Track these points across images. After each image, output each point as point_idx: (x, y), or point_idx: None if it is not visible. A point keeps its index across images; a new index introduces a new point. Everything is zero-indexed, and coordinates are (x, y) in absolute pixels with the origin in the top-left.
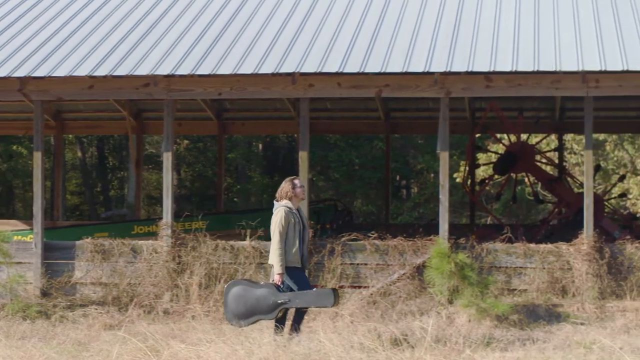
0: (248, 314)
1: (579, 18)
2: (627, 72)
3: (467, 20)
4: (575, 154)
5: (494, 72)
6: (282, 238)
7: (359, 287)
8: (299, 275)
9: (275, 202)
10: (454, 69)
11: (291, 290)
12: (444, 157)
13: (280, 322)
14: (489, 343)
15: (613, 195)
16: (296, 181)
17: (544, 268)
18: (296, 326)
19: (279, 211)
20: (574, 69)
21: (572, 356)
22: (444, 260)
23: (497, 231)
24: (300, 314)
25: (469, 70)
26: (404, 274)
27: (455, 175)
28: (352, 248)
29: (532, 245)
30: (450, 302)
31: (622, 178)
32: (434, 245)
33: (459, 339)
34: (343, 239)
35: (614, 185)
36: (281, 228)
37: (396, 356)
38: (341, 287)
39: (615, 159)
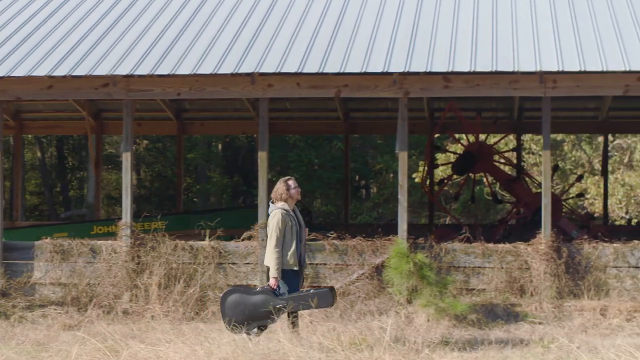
0: (247, 321)
1: (537, 19)
2: (585, 72)
3: (425, 20)
4: (533, 154)
5: (453, 73)
6: (279, 241)
7: (319, 287)
8: (293, 279)
9: (270, 203)
10: (413, 70)
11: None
12: (402, 157)
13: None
14: (448, 343)
15: (571, 195)
16: (290, 182)
17: (503, 268)
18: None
19: (276, 214)
20: (532, 69)
21: (530, 355)
22: (402, 260)
23: (456, 231)
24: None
25: (428, 70)
26: (363, 274)
27: (414, 175)
28: (311, 248)
29: (491, 245)
30: (409, 301)
31: (579, 178)
32: (393, 245)
33: (418, 339)
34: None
35: (572, 185)
36: (278, 231)
37: (355, 356)
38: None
39: (573, 159)
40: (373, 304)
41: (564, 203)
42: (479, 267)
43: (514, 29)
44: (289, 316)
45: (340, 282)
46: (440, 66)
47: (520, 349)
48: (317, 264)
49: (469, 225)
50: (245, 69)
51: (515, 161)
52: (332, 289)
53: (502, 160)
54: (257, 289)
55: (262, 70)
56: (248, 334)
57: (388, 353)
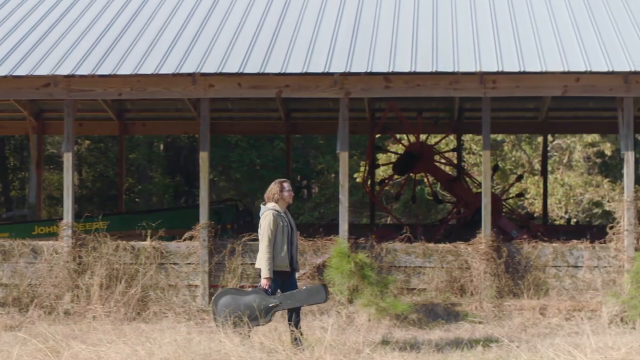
0: (240, 322)
1: (477, 19)
2: (524, 73)
3: (366, 21)
4: (473, 154)
5: (393, 73)
6: (271, 242)
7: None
8: (286, 280)
9: (262, 204)
10: (354, 70)
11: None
12: (343, 157)
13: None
14: (388, 342)
15: (511, 195)
16: (285, 184)
17: (443, 267)
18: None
19: (267, 215)
20: (472, 70)
21: (470, 355)
22: (343, 260)
23: (397, 231)
24: (296, 315)
25: (369, 71)
26: (304, 274)
27: (355, 175)
28: (252, 248)
29: (431, 245)
30: (350, 301)
31: (519, 178)
32: (334, 245)
33: (359, 338)
34: (244, 239)
35: (512, 185)
36: (270, 232)
37: (296, 356)
38: (242, 287)
39: (513, 159)
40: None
41: (504, 203)
42: (419, 266)
43: (454, 29)
44: (290, 320)
45: None
46: (381, 67)
47: (460, 348)
48: None
49: (409, 225)
50: (187, 69)
51: (455, 161)
52: (324, 285)
53: (443, 161)
54: (249, 290)
55: (203, 71)
56: (243, 333)
57: (329, 353)
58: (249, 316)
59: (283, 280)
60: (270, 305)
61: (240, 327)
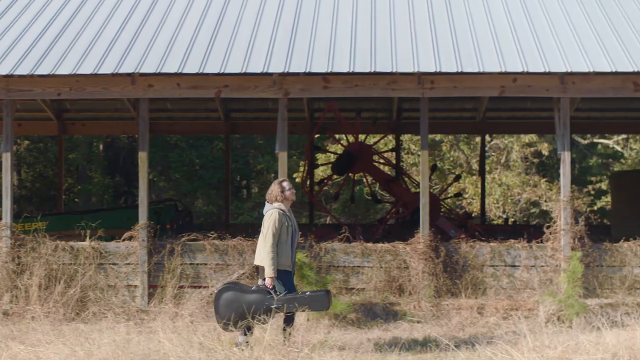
0: (240, 319)
1: (415, 20)
2: (462, 73)
3: (305, 21)
4: (412, 154)
5: (332, 73)
6: (275, 241)
7: (199, 287)
8: (288, 279)
9: (266, 202)
10: (292, 70)
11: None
12: (282, 157)
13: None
14: (327, 342)
15: (449, 195)
16: (285, 184)
17: (382, 267)
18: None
19: (273, 213)
20: (410, 70)
21: (409, 354)
22: None
23: (336, 231)
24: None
25: (307, 71)
26: (243, 274)
27: (294, 175)
28: (191, 248)
29: (370, 245)
30: None
31: (457, 178)
32: None
33: (298, 338)
34: (183, 239)
35: (450, 184)
36: (274, 230)
37: (235, 356)
38: (181, 287)
39: (451, 159)
40: None
41: (443, 203)
42: (358, 266)
43: (393, 30)
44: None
45: (221, 282)
46: (319, 67)
47: (398, 348)
48: (197, 264)
49: (348, 225)
50: (126, 69)
51: (394, 161)
52: (327, 292)
53: (382, 161)
54: (253, 288)
55: (142, 71)
56: (243, 332)
57: (268, 353)
58: (250, 314)
59: (284, 279)
60: (272, 306)
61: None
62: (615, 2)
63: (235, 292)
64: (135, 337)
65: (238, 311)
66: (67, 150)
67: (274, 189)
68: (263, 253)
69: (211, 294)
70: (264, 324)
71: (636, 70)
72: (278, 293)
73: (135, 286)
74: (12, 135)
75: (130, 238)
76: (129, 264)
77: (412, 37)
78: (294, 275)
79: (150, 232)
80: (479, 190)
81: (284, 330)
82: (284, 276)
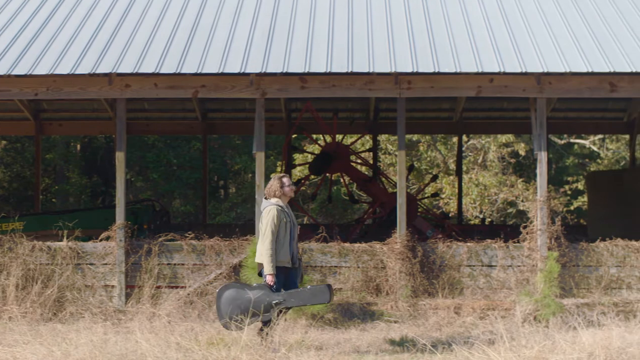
0: (243, 317)
1: (392, 20)
2: (439, 73)
3: (282, 21)
4: (389, 154)
5: (309, 74)
6: (274, 237)
7: (176, 287)
8: (289, 275)
9: (264, 199)
10: (270, 70)
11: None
12: (259, 157)
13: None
14: (304, 342)
15: (426, 195)
16: (285, 179)
17: (359, 267)
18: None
19: (271, 210)
20: (387, 70)
21: (386, 354)
22: None
23: (313, 231)
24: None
25: (285, 71)
26: (220, 274)
27: (272, 175)
28: (169, 248)
29: (347, 245)
30: None
31: (434, 178)
32: (250, 245)
33: (275, 338)
34: (160, 239)
35: (427, 184)
36: (273, 227)
37: (212, 356)
38: (158, 287)
39: (428, 159)
40: None
41: (420, 203)
42: (335, 266)
43: (370, 30)
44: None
45: (198, 282)
46: (297, 67)
47: (375, 348)
48: (175, 264)
49: (326, 225)
50: (103, 69)
51: (371, 161)
52: (329, 286)
53: (359, 161)
54: (254, 285)
55: (119, 71)
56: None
57: (245, 352)
58: (252, 312)
59: (285, 276)
60: (274, 302)
61: (243, 323)
62: (592, 3)
63: (236, 290)
64: (112, 337)
65: (239, 309)
66: (44, 151)
67: (273, 184)
68: (262, 250)
69: (189, 294)
70: (267, 320)
71: (612, 70)
72: (278, 289)
73: (113, 286)
74: None
75: (107, 238)
76: (106, 264)
77: (389, 37)
78: (295, 269)
79: (128, 232)
80: (456, 190)
81: (261, 330)
82: (284, 272)
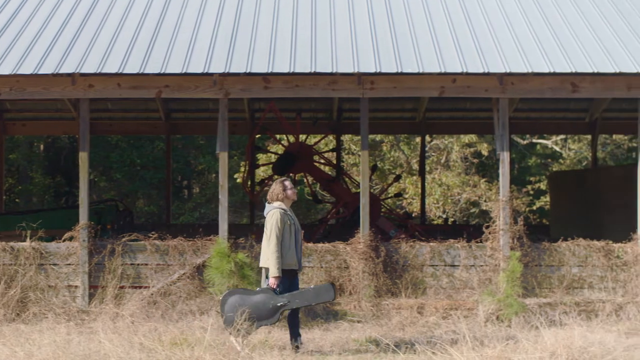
0: (249, 322)
1: (355, 20)
2: (402, 74)
3: (245, 21)
4: (352, 154)
5: (272, 74)
6: (279, 241)
7: (140, 287)
8: (294, 278)
9: (267, 204)
10: (233, 70)
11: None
12: (223, 157)
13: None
14: (268, 342)
15: (389, 195)
16: (286, 183)
17: (322, 267)
18: (295, 333)
19: (274, 213)
20: (350, 70)
21: (349, 354)
22: (223, 260)
23: None
24: (294, 319)
25: (248, 71)
26: (184, 274)
27: (235, 175)
28: (132, 248)
29: (311, 245)
30: None
31: (397, 178)
32: (214, 245)
33: (238, 339)
34: (124, 239)
35: (390, 185)
36: (277, 230)
37: (176, 356)
38: (122, 287)
39: (391, 159)
40: (194, 303)
41: (383, 203)
42: None
43: (333, 30)
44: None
45: (162, 282)
46: (260, 67)
47: (338, 347)
48: (138, 264)
49: None
50: (66, 69)
51: (334, 161)
52: (332, 284)
53: (322, 161)
54: (258, 289)
55: (82, 71)
56: (243, 335)
57: (209, 353)
58: (258, 316)
59: (290, 279)
60: (279, 304)
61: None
62: (553, 3)
63: (241, 295)
64: (75, 337)
65: (245, 314)
66: (7, 151)
67: (275, 187)
68: (268, 253)
69: (152, 295)
70: (270, 324)
71: (574, 71)
72: (282, 292)
73: (76, 287)
74: None
75: (71, 238)
76: (69, 264)
77: (352, 37)
78: (299, 272)
79: (91, 233)
80: (419, 191)
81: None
82: (290, 275)
